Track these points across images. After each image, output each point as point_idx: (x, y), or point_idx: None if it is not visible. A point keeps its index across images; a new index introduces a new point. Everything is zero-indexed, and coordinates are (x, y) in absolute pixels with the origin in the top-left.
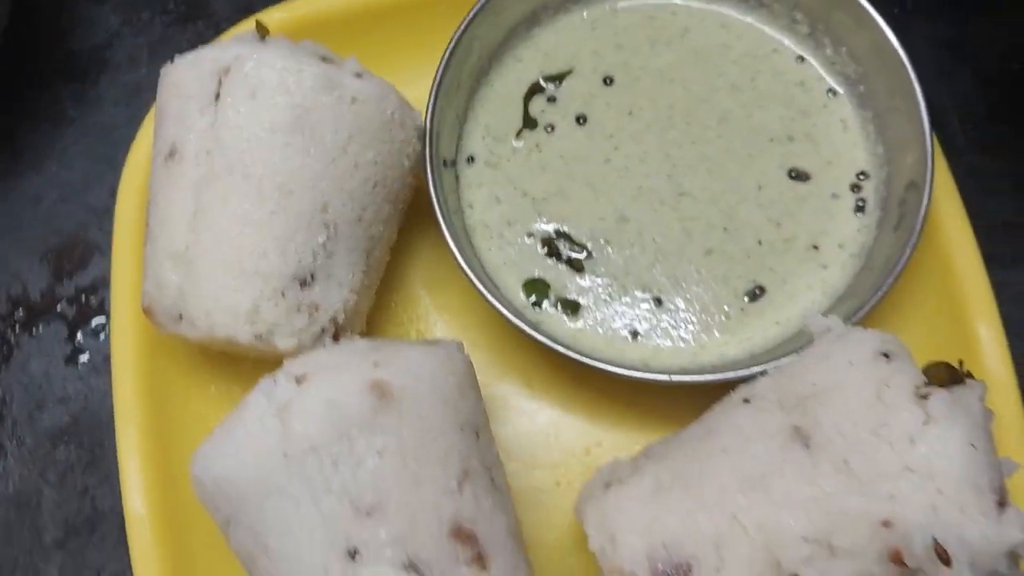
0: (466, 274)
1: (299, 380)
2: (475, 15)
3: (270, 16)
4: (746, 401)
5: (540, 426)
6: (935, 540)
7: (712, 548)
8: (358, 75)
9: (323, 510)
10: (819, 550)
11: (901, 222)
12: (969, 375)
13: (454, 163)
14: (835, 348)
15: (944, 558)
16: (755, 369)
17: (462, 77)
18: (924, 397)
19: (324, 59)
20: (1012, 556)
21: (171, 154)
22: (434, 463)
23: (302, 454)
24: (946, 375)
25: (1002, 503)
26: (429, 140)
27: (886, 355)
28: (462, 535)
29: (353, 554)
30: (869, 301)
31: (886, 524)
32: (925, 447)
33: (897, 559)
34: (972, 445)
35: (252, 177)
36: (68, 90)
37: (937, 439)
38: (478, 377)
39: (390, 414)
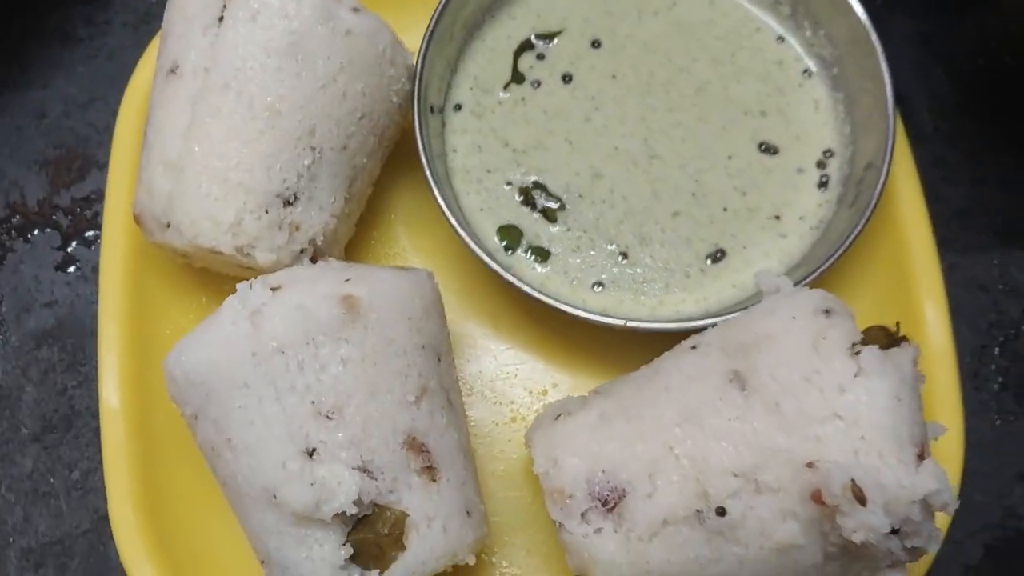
0: (444, 214)
1: (274, 289)
2: None
3: None
4: (694, 348)
5: (503, 365)
6: (853, 481)
7: (646, 475)
8: (355, 10)
9: (285, 408)
10: (746, 484)
11: (857, 199)
12: (905, 339)
13: (442, 109)
14: (781, 303)
15: (860, 498)
16: (708, 321)
17: (455, 28)
18: (857, 352)
19: None
20: (925, 506)
21: (172, 69)
22: (394, 376)
23: (270, 354)
24: (883, 337)
25: (921, 456)
26: (418, 84)
27: (827, 311)
28: (415, 446)
29: (311, 452)
30: (820, 267)
31: (810, 465)
32: (853, 396)
33: (817, 498)
34: (898, 399)
35: (244, 94)
36: (80, 11)
37: (865, 390)
38: (449, 315)
39: (356, 326)
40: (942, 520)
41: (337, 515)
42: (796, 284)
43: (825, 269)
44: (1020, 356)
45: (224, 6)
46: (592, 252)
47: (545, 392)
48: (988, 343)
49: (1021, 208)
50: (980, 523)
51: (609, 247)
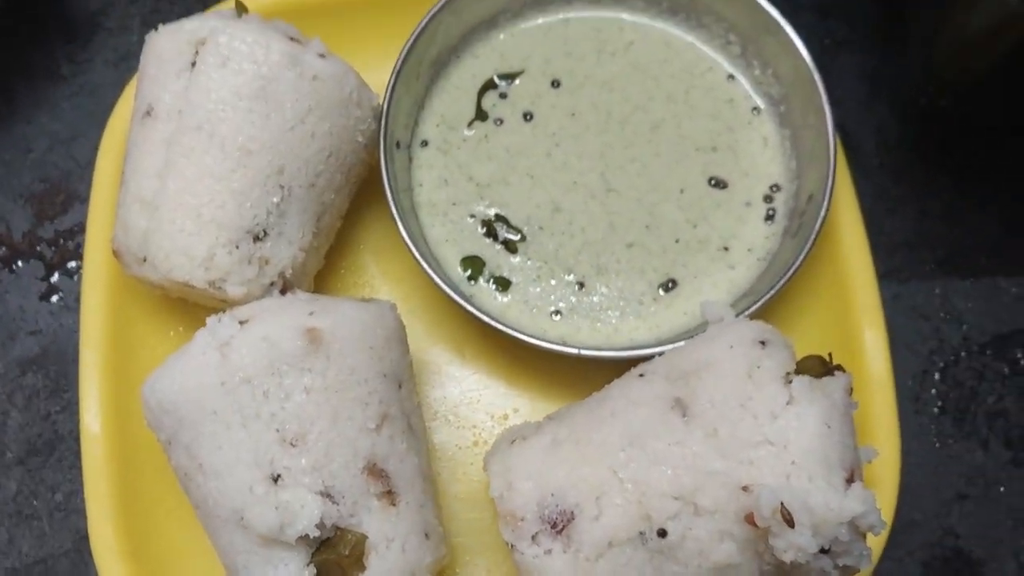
0: (408, 246)
1: (242, 322)
2: (437, 12)
3: None
4: (641, 375)
5: (467, 390)
6: (782, 504)
7: (593, 498)
8: (321, 55)
9: (252, 434)
10: (685, 507)
11: (800, 230)
12: (839, 368)
13: (409, 146)
14: (721, 333)
15: (789, 520)
16: (655, 350)
17: (422, 68)
18: (790, 381)
19: (292, 38)
20: (854, 527)
21: (148, 112)
22: (356, 404)
23: (237, 383)
24: (818, 366)
25: (850, 480)
26: (384, 122)
27: (763, 343)
28: (375, 471)
29: (276, 478)
30: (762, 298)
31: (745, 488)
32: (784, 422)
33: (751, 520)
34: (827, 425)
35: (216, 136)
36: (63, 50)
37: (795, 416)
38: (415, 343)
39: (319, 356)
40: (881, 539)
41: (301, 537)
42: (741, 313)
43: (768, 299)
44: (959, 381)
45: (196, 52)
46: (551, 281)
47: (506, 417)
48: (929, 368)
49: (962, 240)
50: (919, 541)
51: (567, 277)
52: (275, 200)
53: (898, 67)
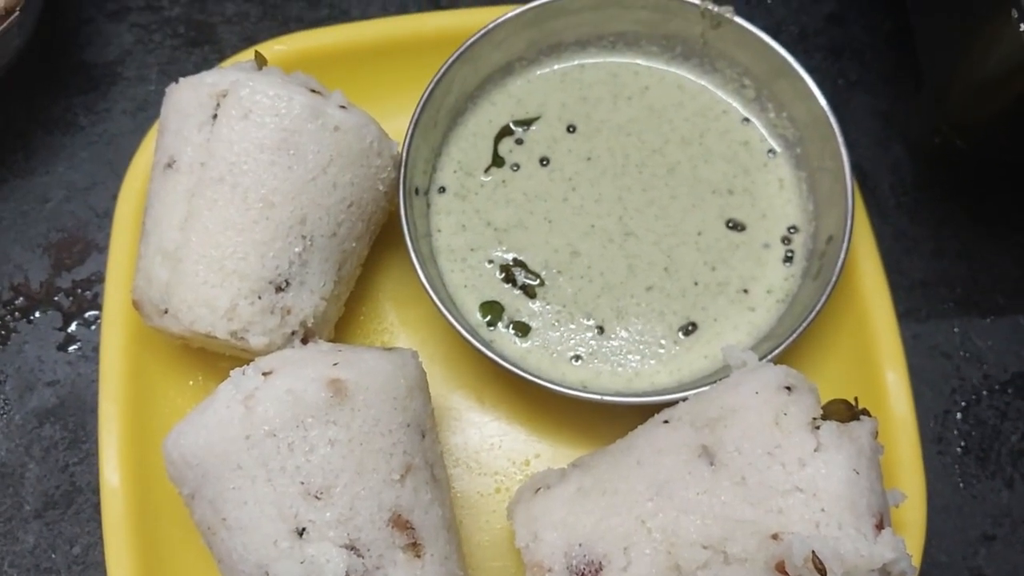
0: (427, 292)
1: (266, 373)
2: (454, 61)
3: (269, 48)
4: (665, 422)
5: (487, 436)
6: (813, 553)
7: (621, 548)
8: (342, 107)
9: (276, 488)
10: (715, 556)
11: (820, 272)
12: (864, 412)
13: (427, 192)
14: (746, 378)
15: (820, 569)
16: (678, 395)
17: (439, 116)
18: (817, 427)
19: (312, 90)
20: (885, 574)
21: (169, 164)
22: (380, 456)
23: (262, 437)
24: (844, 411)
25: (880, 526)
26: (404, 169)
27: (788, 388)
28: (400, 523)
29: (301, 532)
30: (785, 341)
31: (775, 536)
32: (812, 470)
33: (781, 569)
34: (855, 471)
35: (239, 187)
36: (81, 100)
37: (824, 463)
38: (435, 389)
39: (343, 409)
40: None
41: None
42: (763, 357)
43: (790, 342)
44: (981, 420)
45: (218, 105)
46: (571, 326)
47: (528, 462)
48: (951, 408)
49: (980, 278)
50: None
51: (586, 321)
52: (297, 250)
53: (912, 107)
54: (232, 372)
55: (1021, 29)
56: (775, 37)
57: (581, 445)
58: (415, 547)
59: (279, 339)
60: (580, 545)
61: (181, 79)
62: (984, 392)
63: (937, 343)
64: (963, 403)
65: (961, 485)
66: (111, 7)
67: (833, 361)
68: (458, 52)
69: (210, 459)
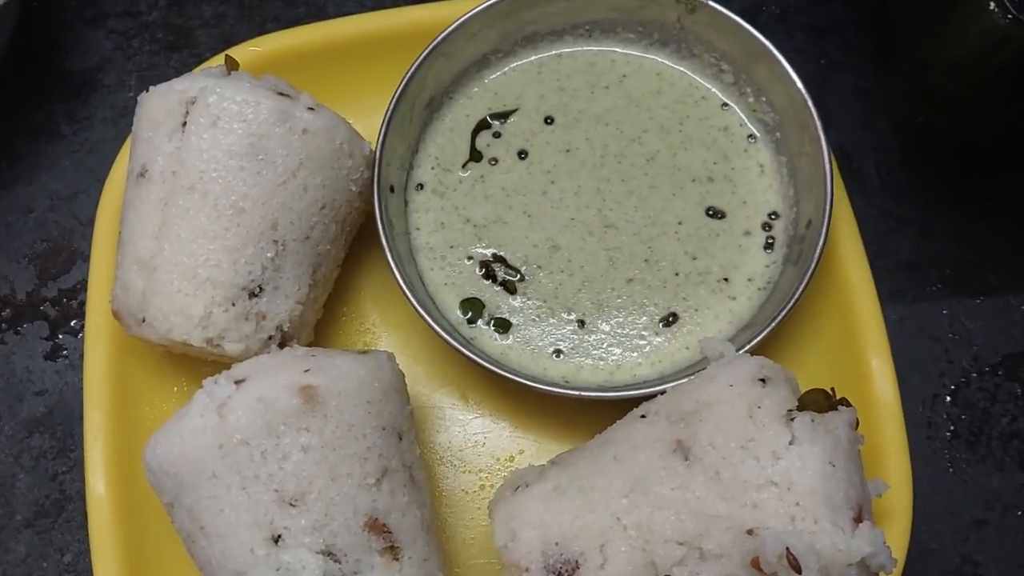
0: (404, 293)
1: (238, 381)
2: (427, 56)
3: (244, 50)
4: (643, 417)
5: (471, 434)
6: (788, 549)
7: (598, 546)
8: (311, 108)
9: (251, 496)
10: (690, 552)
11: (801, 258)
12: (843, 402)
13: (404, 189)
14: (721, 371)
15: (795, 566)
16: (655, 388)
17: (414, 111)
18: (792, 420)
19: (281, 93)
20: (864, 567)
21: (142, 173)
22: (354, 460)
23: (235, 446)
24: (822, 401)
25: (858, 519)
26: (378, 167)
27: (763, 380)
28: (376, 527)
29: (276, 539)
30: (764, 330)
31: (750, 532)
32: (787, 463)
33: (757, 565)
34: (831, 464)
35: (210, 195)
36: (62, 108)
37: (798, 456)
38: (418, 387)
39: (315, 415)
40: (897, 571)
41: None
42: (742, 347)
43: (770, 330)
44: (971, 404)
45: (187, 112)
46: (552, 321)
47: (512, 459)
48: (939, 392)
49: (968, 258)
50: (937, 570)
51: (568, 315)
52: (270, 255)
53: (894, 86)
54: (205, 381)
55: (993, 8)
56: (757, 16)
57: (565, 440)
58: (393, 550)
59: (255, 345)
60: (557, 544)
61: (151, 88)
62: (974, 374)
63: (925, 325)
64: (952, 386)
65: (951, 470)
66: (89, 13)
67: (816, 348)
68: (431, 46)
69: (186, 468)
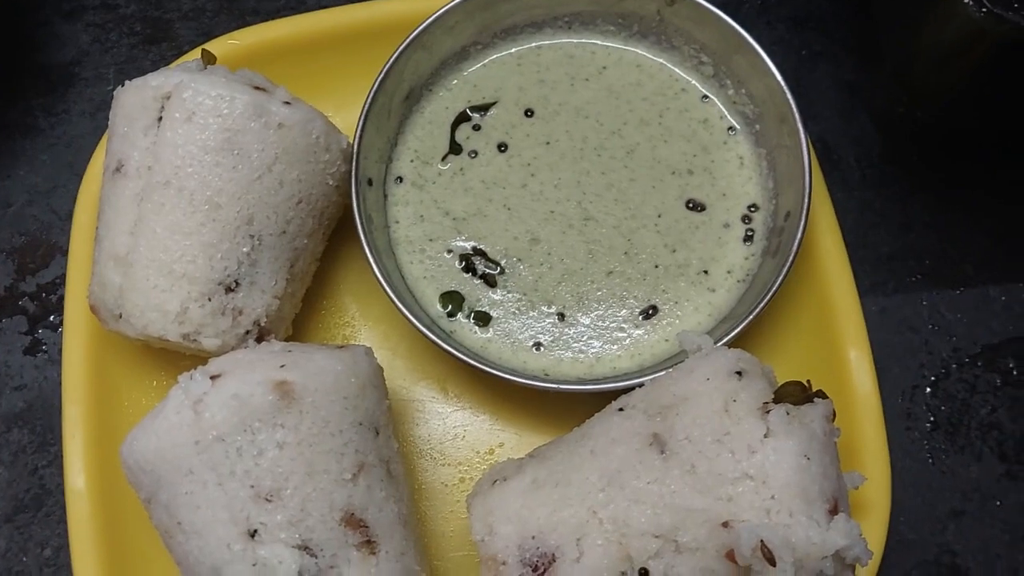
0: (382, 286)
1: (214, 377)
2: (404, 48)
3: (223, 43)
4: (620, 410)
5: (451, 427)
6: (762, 542)
7: (574, 540)
8: (286, 103)
9: (227, 492)
10: (666, 545)
11: (779, 250)
12: (819, 394)
13: (384, 182)
14: (698, 364)
15: (769, 558)
16: (634, 381)
17: (393, 104)
18: (767, 412)
19: (257, 87)
20: (839, 560)
21: (118, 168)
22: (330, 456)
23: (210, 442)
24: (798, 393)
25: (834, 511)
26: (356, 161)
27: (739, 373)
28: (353, 522)
29: (253, 534)
30: (742, 322)
31: (725, 525)
32: (762, 456)
33: (731, 558)
34: (806, 457)
35: (185, 190)
36: (39, 103)
37: (773, 450)
38: (398, 381)
39: (291, 411)
40: (875, 561)
41: None
42: (720, 340)
43: (748, 323)
44: (950, 395)
45: (162, 107)
46: (532, 314)
47: (492, 451)
48: (919, 383)
49: (947, 250)
50: (915, 560)
51: (547, 308)
52: (245, 250)
53: (875, 78)
54: (180, 377)
55: (968, 2)
56: (738, 8)
57: (545, 432)
58: (369, 544)
59: (232, 339)
60: (534, 538)
61: (127, 82)
62: (953, 366)
63: (905, 317)
64: (932, 378)
65: (930, 461)
66: (66, 7)
67: (795, 340)
68: (409, 39)
69: (162, 465)
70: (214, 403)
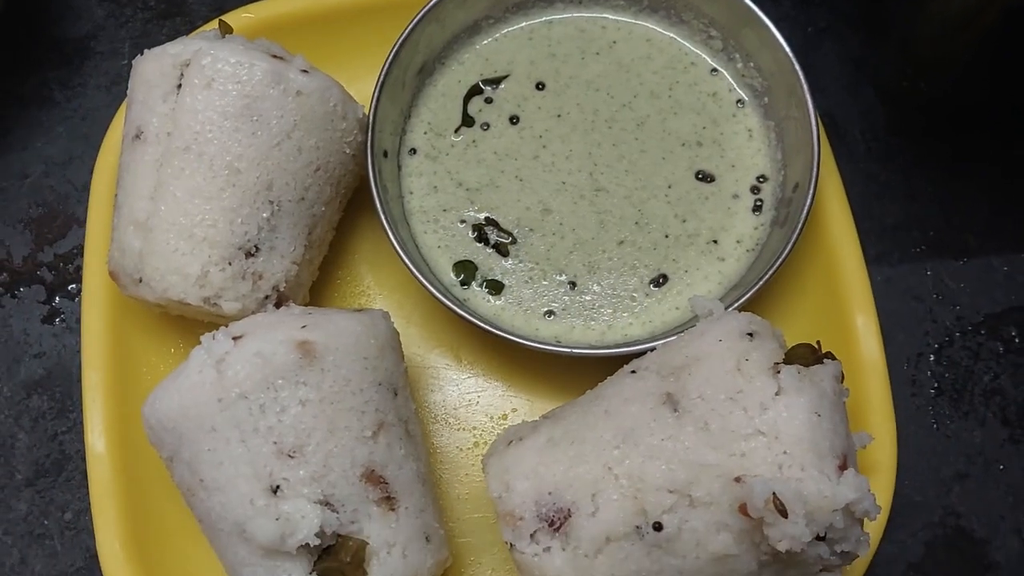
0: (399, 254)
1: (236, 338)
2: (419, 21)
3: (237, 16)
4: (633, 372)
5: (464, 393)
6: (774, 495)
7: (589, 495)
8: (304, 71)
9: (250, 448)
10: (680, 500)
11: (788, 220)
12: (829, 356)
13: (397, 154)
14: (710, 327)
15: (781, 511)
16: (645, 346)
17: (407, 76)
18: (778, 372)
19: (275, 56)
20: (849, 514)
21: (137, 135)
22: (351, 414)
23: (233, 399)
24: (808, 355)
25: (843, 467)
26: (371, 133)
27: (751, 334)
28: (373, 478)
29: (275, 489)
30: (751, 289)
31: (738, 479)
32: (774, 413)
33: (744, 511)
34: (817, 414)
35: (205, 156)
36: (55, 75)
37: (785, 407)
38: (413, 348)
39: (313, 369)
40: (881, 521)
41: (302, 547)
42: (730, 306)
43: (757, 290)
44: (954, 362)
45: (181, 74)
46: (544, 282)
47: (505, 417)
48: (923, 351)
49: (951, 220)
50: (921, 522)
51: (559, 277)
52: (265, 216)
53: (881, 52)
54: (203, 337)
55: None
56: None
57: (557, 398)
58: (389, 500)
59: (252, 304)
60: (550, 493)
61: (146, 51)
62: (957, 334)
63: (910, 286)
64: (936, 345)
65: (935, 426)
66: None
67: (803, 308)
68: (423, 11)
69: (185, 423)
70: (237, 361)
